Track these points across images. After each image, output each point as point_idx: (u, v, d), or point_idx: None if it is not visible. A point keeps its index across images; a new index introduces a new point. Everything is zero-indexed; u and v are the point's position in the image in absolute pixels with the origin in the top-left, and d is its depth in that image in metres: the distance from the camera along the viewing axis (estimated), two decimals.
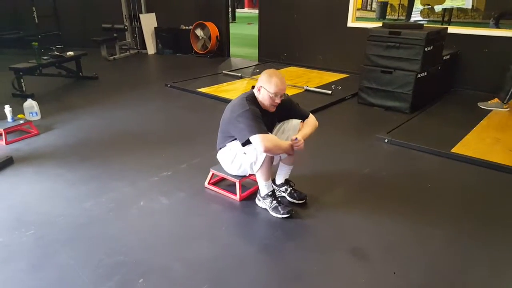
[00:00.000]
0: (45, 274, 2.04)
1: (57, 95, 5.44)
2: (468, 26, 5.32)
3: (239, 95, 2.52)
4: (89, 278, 2.00)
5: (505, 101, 4.50)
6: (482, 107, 4.65)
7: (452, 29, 5.23)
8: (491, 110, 4.54)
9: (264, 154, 2.36)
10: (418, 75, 4.39)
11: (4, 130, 3.66)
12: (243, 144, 2.40)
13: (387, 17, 6.07)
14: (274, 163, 2.68)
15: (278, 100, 2.42)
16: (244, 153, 2.47)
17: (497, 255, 2.22)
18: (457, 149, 3.47)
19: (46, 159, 3.38)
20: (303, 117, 2.63)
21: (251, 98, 2.46)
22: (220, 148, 2.66)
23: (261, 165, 2.41)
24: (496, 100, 4.60)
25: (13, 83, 5.04)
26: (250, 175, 2.67)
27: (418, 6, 5.77)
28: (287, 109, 2.60)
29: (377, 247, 2.27)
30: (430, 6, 5.66)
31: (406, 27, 4.56)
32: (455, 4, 5.43)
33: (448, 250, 2.26)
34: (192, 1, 8.11)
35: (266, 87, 2.39)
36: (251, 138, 2.30)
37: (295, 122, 2.61)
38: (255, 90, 2.48)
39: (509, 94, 4.45)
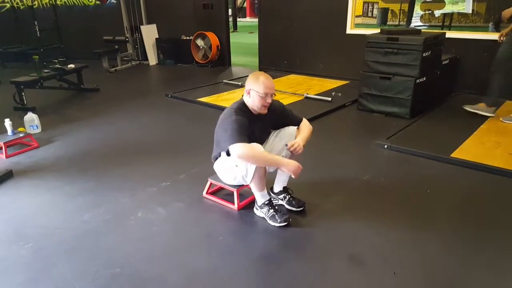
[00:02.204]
0: (42, 287, 2.03)
1: (58, 107, 5.48)
2: (469, 30, 5.31)
3: (230, 105, 2.53)
4: None
5: (491, 105, 4.37)
6: (468, 109, 4.49)
7: (451, 34, 5.23)
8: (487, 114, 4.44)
9: (254, 167, 2.34)
10: (417, 81, 4.38)
11: (4, 143, 3.69)
12: (228, 154, 2.41)
13: (388, 23, 6.08)
14: (271, 170, 2.68)
15: (269, 100, 2.41)
16: (236, 165, 2.47)
17: (497, 260, 2.19)
18: (457, 153, 3.45)
19: (45, 171, 3.39)
20: (297, 123, 2.63)
21: (241, 108, 2.45)
22: (216, 159, 2.66)
23: (253, 177, 2.40)
24: (483, 104, 4.46)
25: (14, 96, 5.09)
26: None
27: (418, 11, 5.78)
28: (280, 114, 2.60)
29: (376, 254, 2.25)
30: (430, 11, 5.67)
31: (404, 33, 4.56)
32: (455, 9, 5.43)
33: (447, 256, 2.23)
34: (192, 12, 8.18)
35: (255, 88, 2.39)
36: (229, 148, 2.30)
37: (292, 129, 2.60)
38: (244, 95, 2.48)
39: (494, 98, 4.33)
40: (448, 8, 5.49)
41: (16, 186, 3.15)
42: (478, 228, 2.49)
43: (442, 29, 5.51)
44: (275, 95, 2.47)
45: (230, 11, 13.21)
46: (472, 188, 3.02)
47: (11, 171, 3.31)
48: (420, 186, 3.03)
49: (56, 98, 5.85)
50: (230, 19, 13.55)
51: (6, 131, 3.83)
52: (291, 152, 2.48)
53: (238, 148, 2.25)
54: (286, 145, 2.44)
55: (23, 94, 5.10)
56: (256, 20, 8.41)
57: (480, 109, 4.46)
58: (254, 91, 2.40)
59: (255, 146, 2.33)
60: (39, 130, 4.34)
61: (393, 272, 2.08)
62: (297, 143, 2.44)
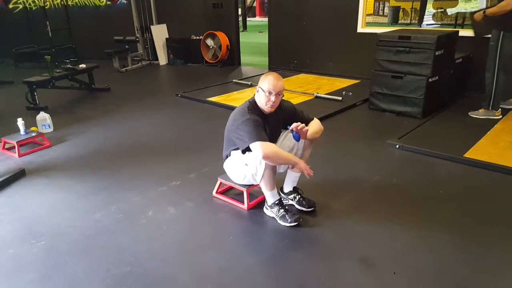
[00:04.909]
0: (53, 285, 2.05)
1: (70, 107, 5.53)
2: None
3: (242, 104, 2.52)
4: None
5: (490, 108, 4.30)
6: (474, 116, 4.41)
7: (464, 32, 5.15)
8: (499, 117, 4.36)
9: (263, 165, 2.34)
10: (430, 80, 4.32)
11: (17, 142, 3.73)
12: (243, 152, 2.39)
13: (399, 21, 6.02)
14: (282, 170, 2.67)
15: (273, 98, 2.38)
16: (246, 164, 2.47)
17: (511, 262, 2.15)
18: (470, 154, 3.40)
19: (57, 170, 3.42)
20: (307, 122, 2.59)
21: (252, 106, 2.45)
22: (226, 157, 2.66)
23: (262, 176, 2.40)
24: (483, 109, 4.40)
25: (27, 96, 5.16)
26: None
27: (430, 9, 5.71)
28: (291, 114, 2.58)
29: (387, 256, 2.22)
30: (442, 10, 5.60)
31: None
32: (468, 7, 5.35)
33: (460, 258, 2.20)
34: (202, 11, 8.19)
35: (262, 86, 2.39)
36: (251, 146, 2.29)
37: None
38: (255, 93, 2.48)
39: (492, 100, 4.26)
40: (461, 6, 5.41)
41: (29, 184, 3.18)
42: (491, 230, 2.44)
43: (455, 28, 5.43)
44: (283, 95, 2.46)
45: (239, 10, 13.23)
46: (486, 189, 2.97)
47: (23, 170, 3.34)
48: (432, 187, 2.98)
49: (68, 98, 5.91)
50: (240, 18, 13.57)
51: (19, 130, 3.88)
52: (296, 131, 2.41)
53: (263, 147, 2.24)
54: (288, 128, 2.44)
55: (35, 93, 5.16)
56: (266, 19, 8.39)
57: (482, 114, 4.38)
58: (261, 89, 2.40)
59: (274, 145, 2.34)
60: (51, 129, 4.39)
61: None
62: (302, 125, 2.41)
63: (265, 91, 2.37)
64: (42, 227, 2.57)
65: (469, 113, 4.47)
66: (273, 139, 2.53)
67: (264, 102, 2.40)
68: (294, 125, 2.40)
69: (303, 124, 2.42)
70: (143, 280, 2.06)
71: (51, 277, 2.11)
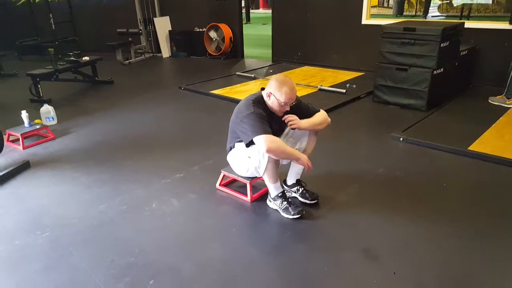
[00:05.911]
0: (58, 275, 2.07)
1: (74, 99, 5.54)
2: (489, 20, 5.17)
3: (247, 97, 2.51)
4: (101, 279, 2.02)
5: (504, 95, 4.42)
6: (490, 101, 4.62)
7: (470, 24, 5.10)
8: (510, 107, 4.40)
9: (266, 159, 2.34)
10: (434, 72, 4.29)
11: (21, 135, 3.75)
12: (247, 145, 2.39)
13: (404, 13, 5.97)
14: (285, 163, 2.66)
15: (287, 108, 2.42)
16: (249, 157, 2.47)
17: None
18: (475, 146, 3.38)
19: (62, 163, 3.44)
20: (312, 114, 2.58)
21: (258, 100, 2.45)
22: (230, 149, 2.66)
23: (265, 169, 2.40)
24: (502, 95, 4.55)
25: (31, 88, 5.17)
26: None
27: (436, 1, 5.65)
28: (295, 108, 2.56)
29: (390, 248, 2.22)
30: (448, 1, 5.54)
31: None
32: None
33: (463, 251, 2.20)
34: (205, 3, 8.15)
35: (277, 95, 2.37)
36: (255, 139, 2.28)
37: None
38: (264, 95, 2.46)
39: (507, 87, 4.39)
40: None
41: (33, 176, 3.20)
42: (495, 223, 2.44)
43: (460, 19, 5.38)
44: (294, 102, 2.46)
45: (243, 2, 13.14)
46: (490, 182, 2.95)
47: (28, 162, 3.36)
48: (436, 179, 2.98)
49: (71, 91, 5.92)
50: (243, 10, 13.49)
51: (23, 122, 3.89)
52: (286, 123, 2.47)
53: (267, 140, 2.24)
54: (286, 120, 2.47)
55: (39, 86, 5.17)
56: (270, 11, 8.34)
57: (500, 101, 4.46)
58: (275, 98, 2.39)
59: (278, 139, 2.34)
60: (55, 122, 4.40)
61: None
62: (293, 117, 2.44)
63: (281, 102, 2.37)
64: (47, 218, 2.59)
65: (489, 99, 4.66)
66: (278, 133, 2.52)
67: (279, 109, 2.42)
68: (286, 116, 2.44)
69: (294, 119, 2.44)
70: (147, 271, 2.07)
71: (56, 268, 2.12)
